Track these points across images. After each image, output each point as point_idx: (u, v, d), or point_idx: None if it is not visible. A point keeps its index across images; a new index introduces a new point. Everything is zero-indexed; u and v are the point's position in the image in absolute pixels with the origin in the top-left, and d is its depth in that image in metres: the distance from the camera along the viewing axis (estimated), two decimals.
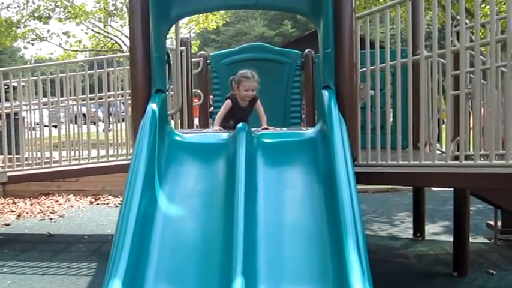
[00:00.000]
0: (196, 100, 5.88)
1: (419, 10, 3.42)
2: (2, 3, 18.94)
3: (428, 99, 3.91)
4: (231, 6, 3.84)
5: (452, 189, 4.39)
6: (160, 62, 3.42)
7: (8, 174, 5.39)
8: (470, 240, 4.47)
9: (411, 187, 5.92)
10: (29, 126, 5.88)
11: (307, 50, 6.11)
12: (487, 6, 12.33)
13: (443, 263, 4.65)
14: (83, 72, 5.63)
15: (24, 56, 52.11)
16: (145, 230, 2.64)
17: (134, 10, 3.34)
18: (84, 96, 5.61)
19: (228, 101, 4.13)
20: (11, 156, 5.63)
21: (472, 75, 3.50)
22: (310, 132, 3.38)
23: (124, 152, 5.59)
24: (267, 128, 3.86)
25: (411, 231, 5.65)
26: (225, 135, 3.37)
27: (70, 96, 5.65)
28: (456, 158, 3.32)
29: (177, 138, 3.33)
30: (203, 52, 6.42)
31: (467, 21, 3.94)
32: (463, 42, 3.14)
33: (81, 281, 4.36)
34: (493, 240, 5.29)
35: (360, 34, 3.56)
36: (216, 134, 3.62)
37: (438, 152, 4.19)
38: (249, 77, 4.02)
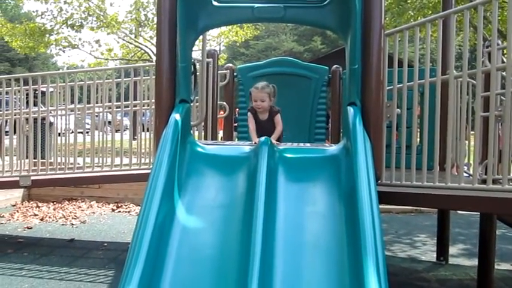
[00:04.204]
0: (221, 112, 5.88)
1: (450, 29, 3.34)
2: (37, 11, 19.29)
3: (456, 119, 3.82)
4: (258, 18, 3.82)
5: (479, 213, 4.26)
6: (185, 72, 3.41)
7: (32, 178, 5.46)
8: (495, 266, 4.33)
9: (436, 209, 5.78)
10: (56, 131, 5.94)
11: (334, 66, 6.07)
12: None
13: None
14: (110, 81, 5.65)
15: (57, 63, 53.20)
16: (161, 240, 2.61)
17: (162, 20, 3.35)
18: (111, 104, 5.65)
19: (249, 113, 4.10)
20: (36, 160, 5.68)
21: (502, 97, 3.40)
22: (333, 148, 3.32)
23: (147, 161, 5.59)
24: (278, 142, 3.77)
25: (434, 255, 5.51)
26: (247, 148, 3.34)
27: (98, 103, 5.69)
28: (484, 181, 3.23)
29: (199, 149, 3.30)
30: (230, 64, 6.42)
31: (499, 41, 3.86)
32: (495, 63, 3.07)
33: None
34: None
35: (388, 52, 3.51)
36: (238, 146, 3.59)
37: (465, 174, 4.08)
38: (257, 87, 4.00)
